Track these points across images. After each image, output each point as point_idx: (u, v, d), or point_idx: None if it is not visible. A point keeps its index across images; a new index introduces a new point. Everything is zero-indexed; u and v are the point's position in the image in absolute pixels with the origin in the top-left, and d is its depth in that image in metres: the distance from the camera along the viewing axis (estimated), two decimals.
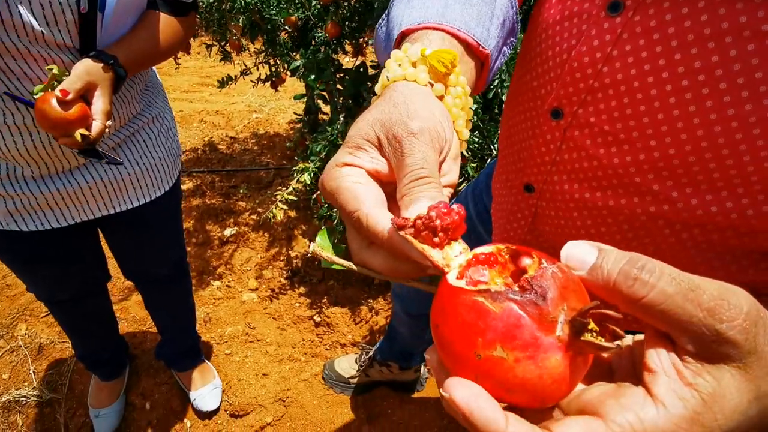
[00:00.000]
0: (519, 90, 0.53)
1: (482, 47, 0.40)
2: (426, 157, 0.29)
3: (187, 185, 2.32)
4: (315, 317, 1.71)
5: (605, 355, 0.21)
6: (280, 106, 3.29)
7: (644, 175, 0.41)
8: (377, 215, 0.28)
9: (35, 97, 0.62)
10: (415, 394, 1.50)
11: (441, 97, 0.36)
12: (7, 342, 1.55)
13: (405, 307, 1.15)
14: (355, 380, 1.48)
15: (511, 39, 0.48)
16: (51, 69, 0.63)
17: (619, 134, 0.41)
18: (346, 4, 1.49)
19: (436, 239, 0.26)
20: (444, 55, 0.34)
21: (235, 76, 1.88)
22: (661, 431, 0.21)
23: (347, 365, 1.50)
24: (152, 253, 1.11)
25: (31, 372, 1.48)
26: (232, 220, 2.09)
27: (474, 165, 1.11)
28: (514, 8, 0.47)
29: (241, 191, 2.26)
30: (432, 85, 0.35)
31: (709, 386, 0.21)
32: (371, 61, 1.56)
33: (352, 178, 0.30)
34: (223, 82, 1.83)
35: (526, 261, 0.24)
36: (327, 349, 1.63)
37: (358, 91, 1.62)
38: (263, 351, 1.61)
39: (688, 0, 0.35)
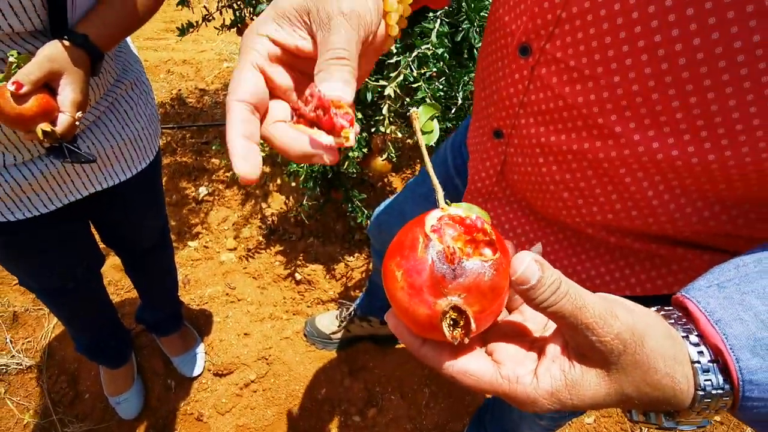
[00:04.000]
0: (491, 27, 0.52)
1: None
2: (350, 38, 0.30)
3: None
4: (296, 275, 1.71)
5: (449, 339, 0.27)
6: None
7: (607, 116, 0.40)
8: (234, 109, 0.30)
9: None
10: (397, 346, 1.53)
11: None
12: None
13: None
14: (337, 336, 1.50)
15: None
16: (11, 55, 0.54)
17: (584, 69, 0.40)
18: None
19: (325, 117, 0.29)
20: None
21: (196, 22, 1.74)
22: (526, 394, 0.28)
23: (328, 321, 1.51)
24: (136, 225, 1.07)
25: (7, 341, 1.46)
26: (206, 177, 2.03)
27: (438, 115, 1.05)
28: None
29: (213, 147, 2.17)
30: None
31: (574, 376, 0.28)
32: None
33: (252, 57, 0.31)
34: (183, 30, 1.70)
35: (486, 251, 0.28)
36: (308, 307, 1.64)
37: None
38: (244, 311, 1.61)
39: (606, 29, 0.36)
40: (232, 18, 1.79)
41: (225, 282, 1.69)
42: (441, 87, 1.04)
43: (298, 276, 1.70)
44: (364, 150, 1.34)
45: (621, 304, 0.29)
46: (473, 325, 0.26)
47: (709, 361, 0.29)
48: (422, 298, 0.27)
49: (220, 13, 1.80)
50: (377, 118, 1.13)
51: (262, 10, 1.53)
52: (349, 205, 1.53)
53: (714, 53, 0.33)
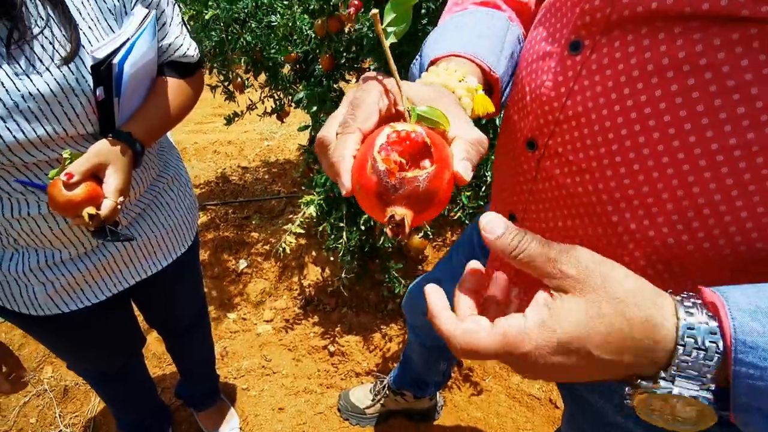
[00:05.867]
0: (505, 125, 0.58)
1: (492, 71, 0.50)
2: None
3: (201, 219, 2.37)
4: (329, 346, 1.72)
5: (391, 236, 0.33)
6: (291, 132, 3.35)
7: (604, 206, 0.44)
8: (355, 134, 0.36)
9: (50, 180, 0.63)
10: (434, 423, 1.48)
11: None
12: (33, 386, 1.61)
13: (419, 338, 1.15)
14: (371, 410, 1.47)
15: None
16: (66, 152, 0.64)
17: (581, 163, 0.44)
18: (339, 37, 1.52)
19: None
20: (484, 103, 0.46)
21: (242, 111, 1.93)
22: (520, 332, 0.32)
23: (362, 395, 1.49)
24: (175, 307, 1.13)
25: (57, 415, 1.52)
26: (245, 251, 2.13)
27: (468, 193, 1.10)
28: (521, 44, 0.56)
29: (253, 222, 2.30)
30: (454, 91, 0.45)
31: (556, 305, 0.32)
32: None
33: (375, 97, 0.37)
34: (230, 119, 1.88)
35: (425, 163, 0.34)
36: (342, 379, 1.63)
37: None
38: (279, 384, 1.62)
39: (635, 40, 0.39)
40: (273, 106, 1.98)
41: (261, 354, 1.72)
42: None
43: (332, 348, 1.71)
44: None
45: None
46: (407, 228, 0.32)
47: (699, 310, 0.30)
48: (375, 207, 0.34)
49: (262, 102, 2.00)
50: None
51: (300, 99, 1.69)
52: (386, 276, 1.57)
53: (694, 154, 0.37)
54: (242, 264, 2.06)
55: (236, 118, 1.89)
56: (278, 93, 1.95)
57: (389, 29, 0.38)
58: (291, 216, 2.35)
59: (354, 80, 1.86)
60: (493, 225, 0.33)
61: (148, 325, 1.21)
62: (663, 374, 0.31)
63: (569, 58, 0.44)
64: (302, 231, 1.42)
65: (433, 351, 1.17)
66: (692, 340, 0.30)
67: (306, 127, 1.81)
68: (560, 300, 0.32)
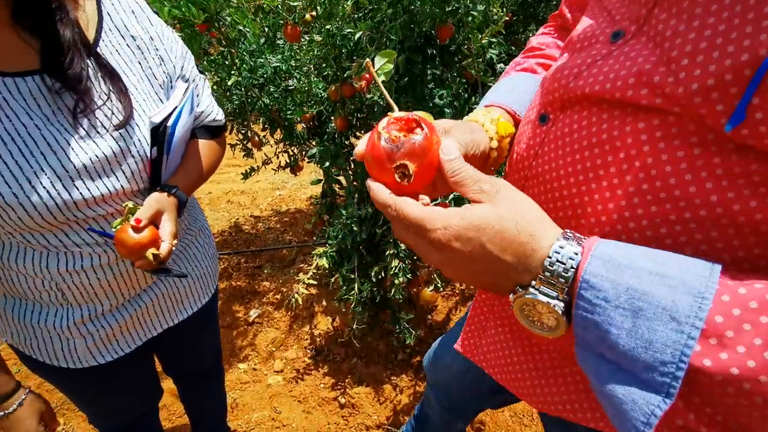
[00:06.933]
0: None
1: (517, 115, 0.65)
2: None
3: None
4: (339, 398, 1.71)
5: (401, 182, 0.44)
6: (302, 182, 3.46)
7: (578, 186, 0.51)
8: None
9: (114, 229, 0.72)
10: None
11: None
12: None
13: (438, 397, 1.15)
14: None
15: None
16: (127, 205, 0.74)
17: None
18: (352, 100, 1.63)
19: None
20: (505, 126, 0.60)
21: (257, 167, 2.03)
22: (438, 212, 0.41)
23: None
24: (197, 354, 1.17)
25: None
26: (257, 301, 2.16)
27: None
28: None
29: (265, 271, 2.35)
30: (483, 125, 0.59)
31: (471, 207, 0.41)
32: None
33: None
34: (247, 174, 1.98)
35: (417, 131, 0.44)
36: None
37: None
38: None
39: (579, 119, 0.47)
40: (287, 161, 2.08)
41: (271, 406, 1.71)
42: None
43: (342, 399, 1.70)
44: (409, 276, 1.44)
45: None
46: (412, 171, 0.43)
47: (573, 243, 0.39)
48: (384, 167, 0.43)
49: (277, 157, 2.10)
50: None
51: (313, 154, 1.78)
52: (397, 326, 1.59)
53: (638, 214, 0.43)
54: (253, 314, 2.09)
55: (252, 173, 1.99)
56: (293, 149, 2.06)
57: (380, 72, 0.54)
58: (302, 265, 2.40)
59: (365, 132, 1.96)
60: (450, 149, 0.43)
61: (166, 373, 1.23)
62: (533, 282, 0.40)
63: (538, 127, 0.53)
64: (314, 282, 1.46)
65: (452, 412, 1.17)
66: (558, 256, 0.38)
67: (319, 181, 1.90)
68: (475, 205, 0.41)
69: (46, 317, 0.79)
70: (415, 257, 1.42)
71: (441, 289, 1.37)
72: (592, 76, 0.46)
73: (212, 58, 1.62)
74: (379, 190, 0.44)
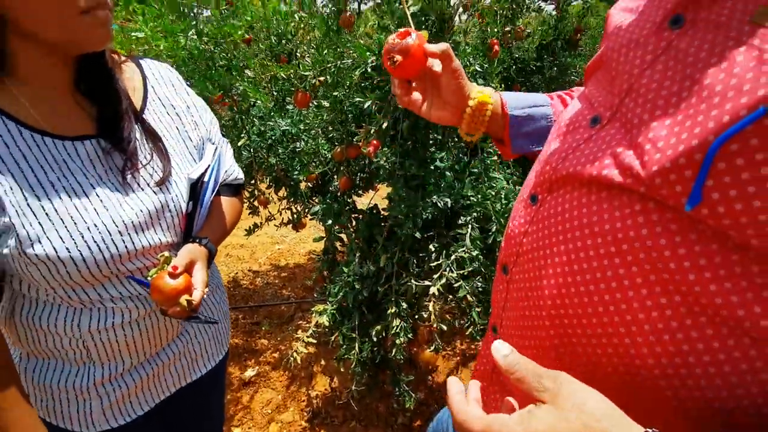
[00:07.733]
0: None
1: (506, 108, 0.74)
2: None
3: None
4: None
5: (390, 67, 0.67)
6: (301, 237, 3.49)
7: (544, 320, 0.52)
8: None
9: (150, 277, 0.75)
10: None
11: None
12: None
13: None
14: None
15: (535, 146, 0.77)
16: (162, 255, 0.78)
17: (528, 291, 0.54)
18: (357, 161, 1.70)
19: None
20: (486, 97, 0.72)
21: (260, 223, 2.06)
22: (501, 422, 0.40)
23: None
24: (207, 414, 1.14)
25: None
26: (254, 359, 2.12)
27: (478, 310, 1.16)
28: (546, 120, 0.76)
29: (263, 328, 2.31)
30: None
31: (535, 410, 0.40)
32: (383, 208, 1.72)
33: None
34: (250, 231, 2.01)
35: (412, 35, 0.66)
36: None
37: (372, 234, 1.76)
38: None
39: (563, 201, 0.50)
40: (290, 217, 2.12)
41: None
42: (479, 285, 1.18)
43: None
44: (410, 336, 1.43)
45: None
46: (397, 60, 0.65)
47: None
48: (385, 57, 0.66)
49: (280, 214, 2.14)
50: (422, 313, 1.27)
51: (316, 212, 1.83)
52: (396, 388, 1.55)
53: (607, 304, 0.45)
54: (250, 373, 2.04)
55: (256, 230, 2.02)
56: (296, 206, 2.11)
57: (411, 5, 0.76)
58: (300, 322, 2.37)
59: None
60: (501, 347, 0.44)
61: None
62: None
63: (529, 206, 0.57)
64: (313, 341, 1.45)
65: None
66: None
67: (321, 238, 1.93)
68: (539, 407, 0.40)
69: (66, 377, 0.79)
70: (416, 316, 1.41)
71: (441, 349, 1.35)
72: (576, 158, 0.50)
73: (224, 122, 1.71)
74: (455, 397, 0.46)
